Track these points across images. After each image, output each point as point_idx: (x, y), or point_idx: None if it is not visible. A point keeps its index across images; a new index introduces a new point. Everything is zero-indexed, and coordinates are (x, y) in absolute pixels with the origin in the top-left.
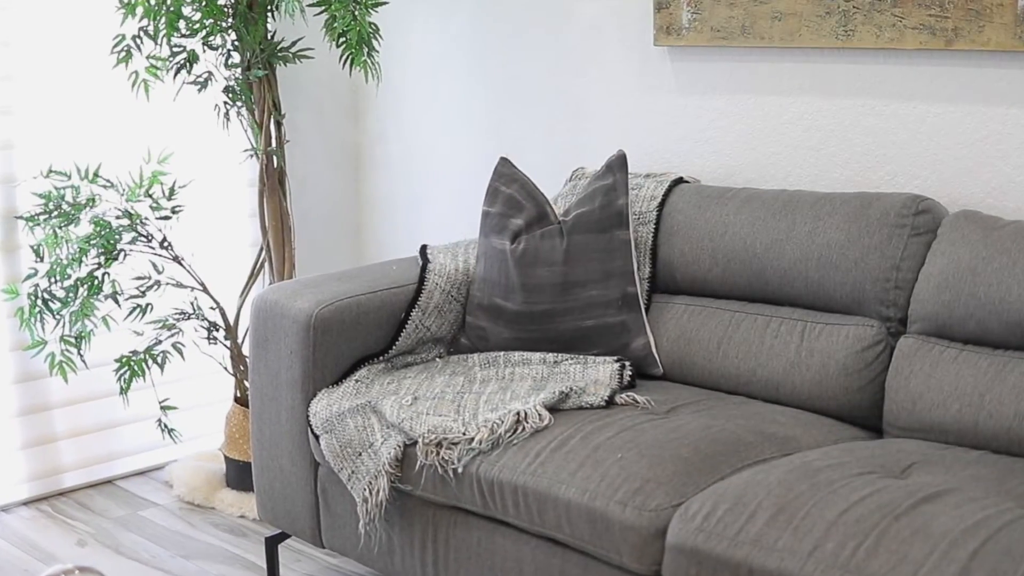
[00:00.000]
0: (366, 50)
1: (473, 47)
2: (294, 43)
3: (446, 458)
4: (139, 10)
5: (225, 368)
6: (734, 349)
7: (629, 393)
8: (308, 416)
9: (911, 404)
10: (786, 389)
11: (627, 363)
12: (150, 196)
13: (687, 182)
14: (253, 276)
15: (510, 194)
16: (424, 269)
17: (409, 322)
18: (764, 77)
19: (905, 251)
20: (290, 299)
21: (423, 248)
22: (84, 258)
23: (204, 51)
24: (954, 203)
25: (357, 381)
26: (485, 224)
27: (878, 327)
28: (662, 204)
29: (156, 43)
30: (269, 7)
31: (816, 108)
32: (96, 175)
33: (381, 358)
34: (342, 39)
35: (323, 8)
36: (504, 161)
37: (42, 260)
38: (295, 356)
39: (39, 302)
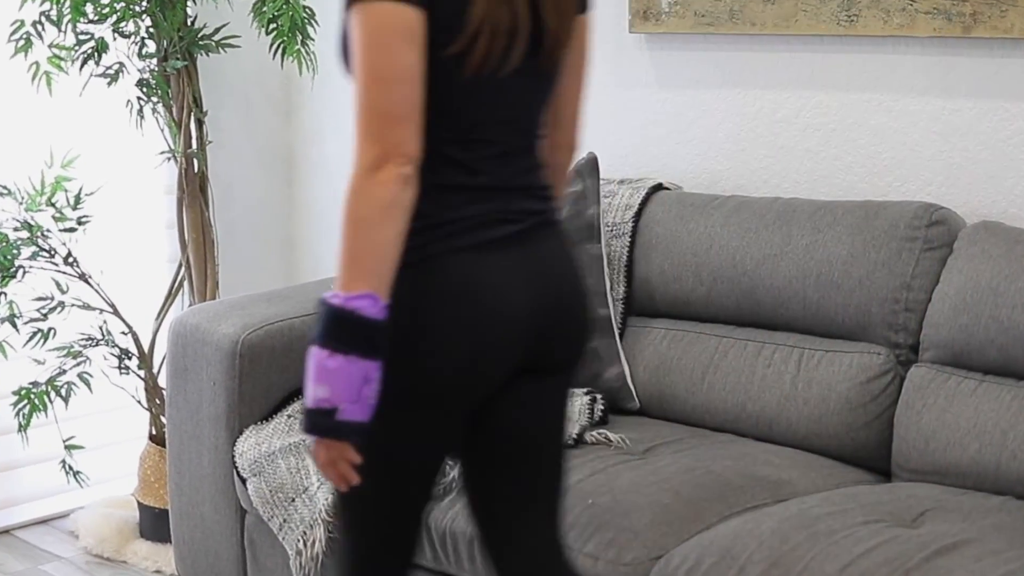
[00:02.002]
0: (300, 38)
1: None
2: (218, 30)
3: None
4: None
5: (139, 402)
6: (721, 380)
7: (601, 431)
8: (234, 456)
9: (923, 443)
10: (780, 426)
11: (598, 396)
12: (53, 205)
13: (667, 189)
14: (170, 296)
15: None
16: None
17: None
18: (755, 69)
19: (916, 268)
20: (213, 323)
21: None
22: None
23: (114, 39)
24: (973, 213)
25: (290, 417)
26: None
27: (886, 355)
28: (639, 214)
29: (60, 30)
30: None
31: (815, 104)
32: None
33: None
34: (273, 25)
35: None
36: None
37: None
38: (219, 388)
39: None
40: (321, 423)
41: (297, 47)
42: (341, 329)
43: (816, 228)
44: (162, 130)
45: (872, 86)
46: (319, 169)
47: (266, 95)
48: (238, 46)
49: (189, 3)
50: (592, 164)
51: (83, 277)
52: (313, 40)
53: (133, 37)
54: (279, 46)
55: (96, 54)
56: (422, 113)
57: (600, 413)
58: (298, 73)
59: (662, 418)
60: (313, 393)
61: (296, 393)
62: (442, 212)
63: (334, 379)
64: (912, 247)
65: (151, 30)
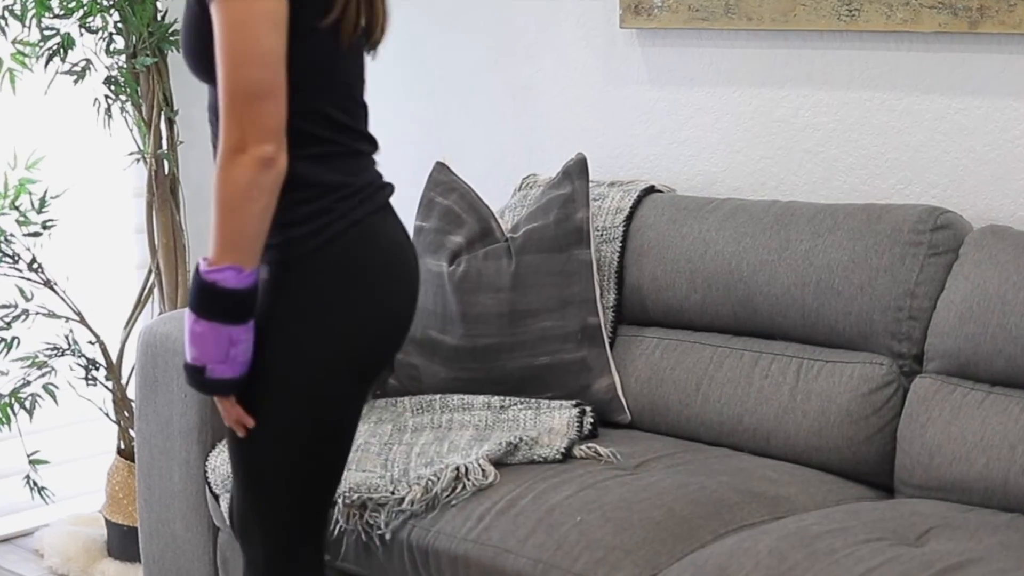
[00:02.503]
0: None
1: (403, 28)
2: None
3: (371, 522)
4: None
5: (106, 414)
6: (716, 392)
7: (590, 444)
8: (206, 472)
9: (928, 457)
10: (778, 440)
11: (588, 408)
12: (16, 208)
13: (660, 191)
14: (140, 304)
15: (447, 206)
16: None
17: None
18: (752, 66)
19: (921, 274)
20: (184, 332)
21: None
22: None
23: (81, 35)
24: (979, 217)
25: None
26: (418, 242)
27: (888, 365)
28: (630, 218)
29: (24, 25)
30: None
31: (815, 103)
32: None
33: None
34: None
35: None
36: (440, 167)
37: None
38: (190, 400)
39: None
40: (195, 380)
41: None
42: (205, 298)
43: (816, 232)
44: (131, 130)
45: (874, 84)
46: None
47: None
48: None
49: None
50: (581, 165)
51: (48, 284)
52: None
53: (101, 33)
54: None
55: (62, 50)
56: (284, 94)
57: (589, 426)
58: None
59: (654, 431)
60: (187, 352)
61: None
62: (355, 178)
63: (201, 342)
64: (916, 252)
65: (119, 25)
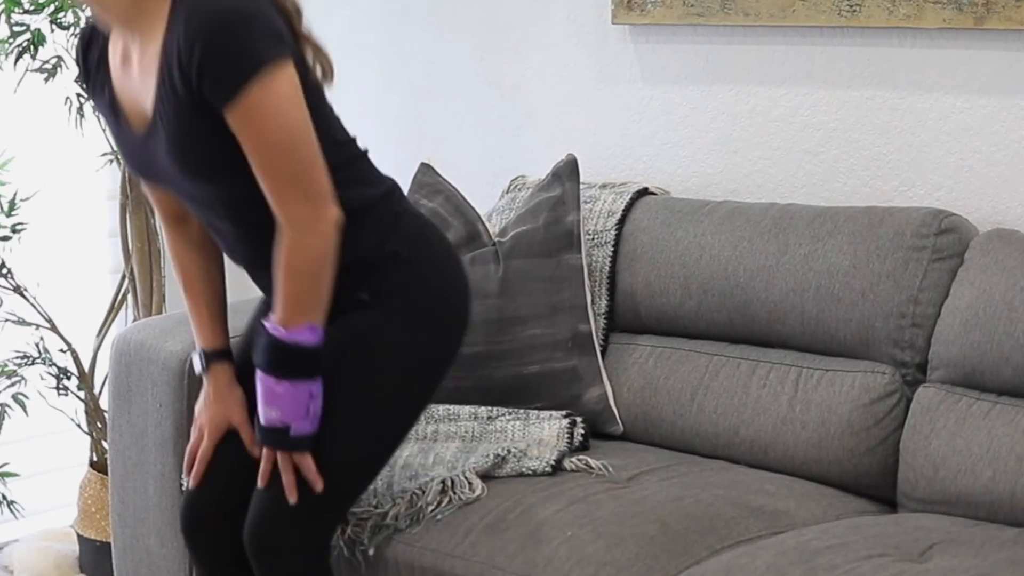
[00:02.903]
0: None
1: (387, 24)
2: None
3: (354, 537)
4: None
5: (78, 425)
6: (712, 402)
7: (581, 456)
8: (183, 484)
9: (932, 470)
10: (776, 452)
11: (579, 419)
12: None
13: (653, 194)
14: (113, 311)
15: (433, 209)
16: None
17: None
18: (750, 63)
19: (924, 280)
20: (159, 339)
21: None
22: None
23: (52, 31)
24: (985, 220)
25: None
26: None
27: (891, 374)
28: (622, 221)
29: None
30: None
31: (814, 101)
32: None
33: None
34: None
35: None
36: (425, 168)
37: None
38: (166, 410)
39: None
40: (277, 440)
41: None
42: (285, 360)
43: (815, 236)
44: (103, 130)
45: (876, 82)
46: None
47: None
48: None
49: None
50: (571, 167)
51: (18, 290)
52: None
53: (72, 29)
54: None
55: (32, 47)
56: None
57: (580, 438)
58: None
59: (648, 443)
60: (266, 414)
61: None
62: (381, 179)
63: (283, 402)
64: (920, 257)
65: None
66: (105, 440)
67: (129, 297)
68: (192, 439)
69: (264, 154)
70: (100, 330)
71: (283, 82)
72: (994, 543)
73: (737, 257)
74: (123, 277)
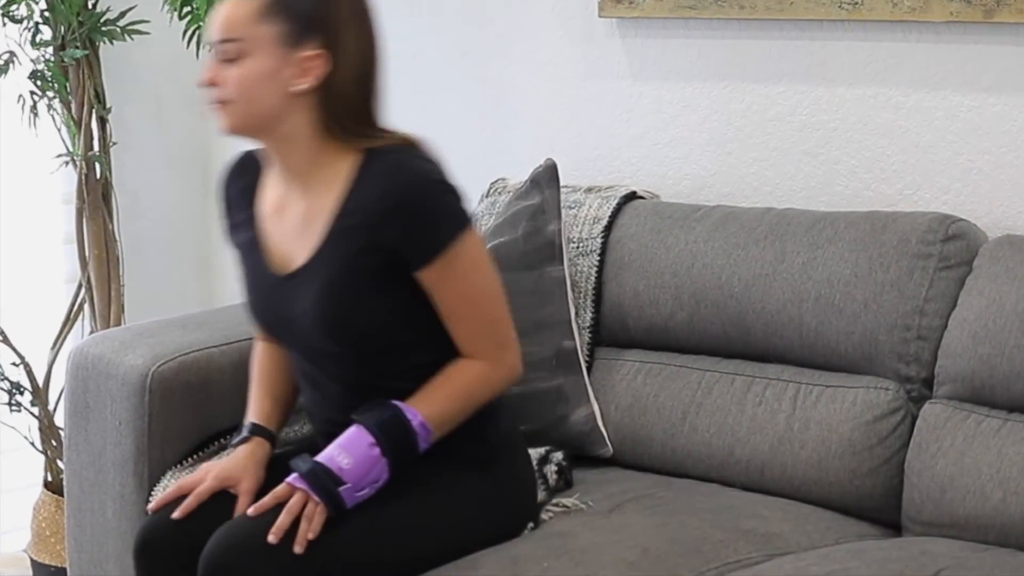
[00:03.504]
0: None
1: None
2: (123, 14)
3: None
4: None
5: (32, 444)
6: (704, 421)
7: (556, 502)
8: (148, 505)
9: (939, 492)
10: (773, 473)
11: (557, 456)
12: None
13: (642, 198)
14: (69, 322)
15: None
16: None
17: None
18: (745, 59)
19: (930, 290)
20: (119, 353)
21: None
22: None
23: (4, 24)
24: (995, 226)
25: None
26: None
27: (895, 390)
28: (609, 228)
29: None
30: None
31: (814, 99)
32: None
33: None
34: (187, 8)
35: None
36: None
37: None
38: (125, 428)
39: None
40: (324, 483)
41: None
42: (396, 438)
43: (814, 243)
44: (59, 129)
45: (879, 79)
46: None
47: (180, 89)
48: (147, 32)
49: None
50: (551, 172)
51: None
52: None
53: (26, 22)
54: (195, 32)
55: None
56: None
57: (554, 479)
58: None
59: (637, 465)
60: (336, 457)
61: (218, 436)
62: None
63: (362, 463)
64: (925, 265)
65: (46, 14)
66: (60, 459)
67: (86, 307)
68: (193, 478)
69: (465, 304)
70: (55, 342)
71: (477, 241)
72: (1005, 569)
73: (731, 266)
74: (79, 286)
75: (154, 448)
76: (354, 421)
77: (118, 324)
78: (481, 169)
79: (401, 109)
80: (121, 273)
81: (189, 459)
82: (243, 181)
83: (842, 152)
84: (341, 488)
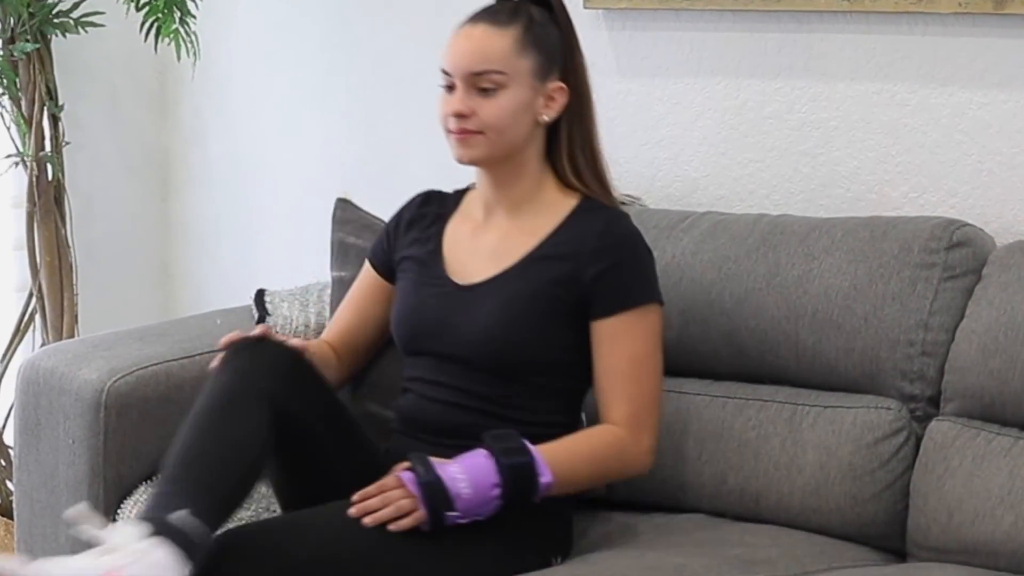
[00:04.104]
0: (178, 15)
1: (329, 14)
2: (76, 5)
3: None
4: None
5: None
6: (694, 447)
7: None
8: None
9: (946, 516)
10: (769, 501)
11: None
12: None
13: (625, 204)
14: (18, 334)
15: (365, 248)
16: (261, 324)
17: None
18: (739, 53)
19: (935, 302)
20: (72, 366)
21: (259, 294)
22: None
23: None
24: (1005, 231)
25: None
26: (340, 299)
27: (898, 410)
28: None
29: None
30: None
31: (812, 96)
32: None
33: None
34: (145, 0)
35: None
36: (343, 205)
37: None
38: (79, 447)
39: None
40: (436, 500)
41: (175, 26)
42: (521, 494)
43: (809, 254)
44: (8, 128)
45: (883, 74)
46: (200, 177)
47: (137, 86)
48: (102, 24)
49: None
50: None
51: None
52: (195, 18)
53: None
54: (152, 25)
55: None
56: None
57: None
58: (176, 59)
59: (621, 502)
60: (458, 482)
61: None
62: None
63: (478, 499)
64: (929, 276)
65: None
66: (10, 480)
67: (37, 318)
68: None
69: (628, 366)
70: (4, 355)
71: (661, 318)
72: None
73: (722, 280)
74: (30, 295)
75: (110, 468)
76: (486, 447)
77: (71, 336)
78: (457, 172)
79: (369, 109)
80: (75, 281)
81: (153, 479)
82: (426, 209)
83: (843, 153)
84: (448, 513)
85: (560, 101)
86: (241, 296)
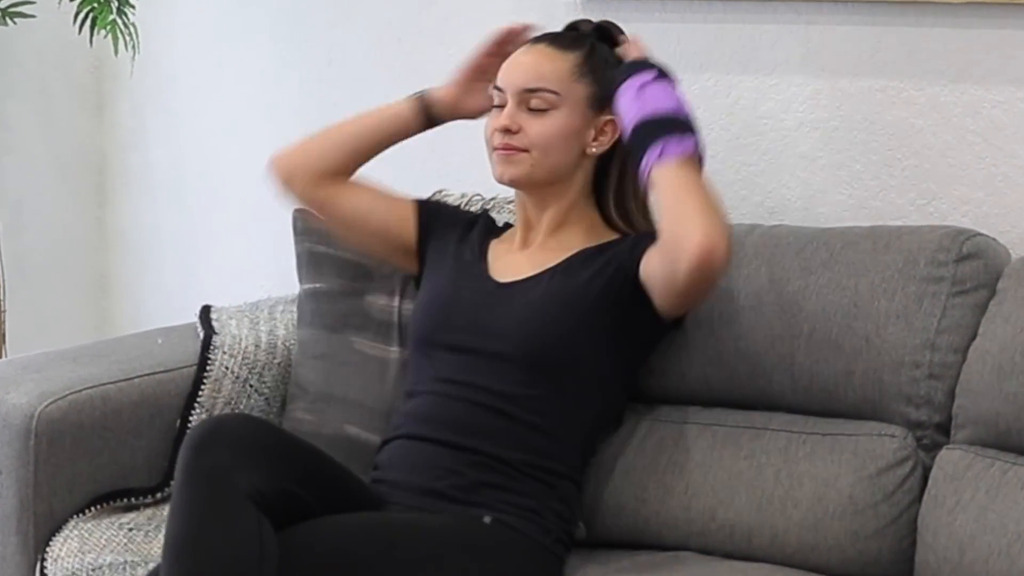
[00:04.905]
0: (116, 5)
1: (280, 3)
2: None
3: None
4: None
5: None
6: (681, 481)
7: None
8: (44, 562)
9: (957, 553)
10: (762, 539)
11: None
12: None
13: None
14: None
15: (335, 256)
16: (207, 344)
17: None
18: (733, 45)
19: (943, 320)
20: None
21: (205, 311)
22: None
23: None
24: (1022, 242)
25: (131, 530)
26: (319, 312)
27: (903, 437)
28: None
29: None
30: None
31: (812, 93)
32: None
33: (153, 496)
34: None
35: None
36: (302, 215)
37: None
38: (7, 479)
39: None
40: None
41: (112, 17)
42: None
43: (806, 268)
44: None
45: (888, 69)
46: (140, 183)
47: (70, 82)
48: (32, 15)
49: None
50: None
51: None
52: (134, 8)
53: None
54: (87, 16)
55: None
56: None
57: None
58: (113, 53)
59: (604, 539)
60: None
61: (123, 493)
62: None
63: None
64: (936, 291)
65: None
66: None
67: None
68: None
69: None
70: None
71: None
72: None
73: (711, 298)
74: None
75: (41, 501)
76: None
77: None
78: (420, 177)
79: (328, 106)
80: (2, 297)
81: (89, 510)
82: (484, 222)
83: (845, 155)
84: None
85: (611, 136)
86: (185, 313)
